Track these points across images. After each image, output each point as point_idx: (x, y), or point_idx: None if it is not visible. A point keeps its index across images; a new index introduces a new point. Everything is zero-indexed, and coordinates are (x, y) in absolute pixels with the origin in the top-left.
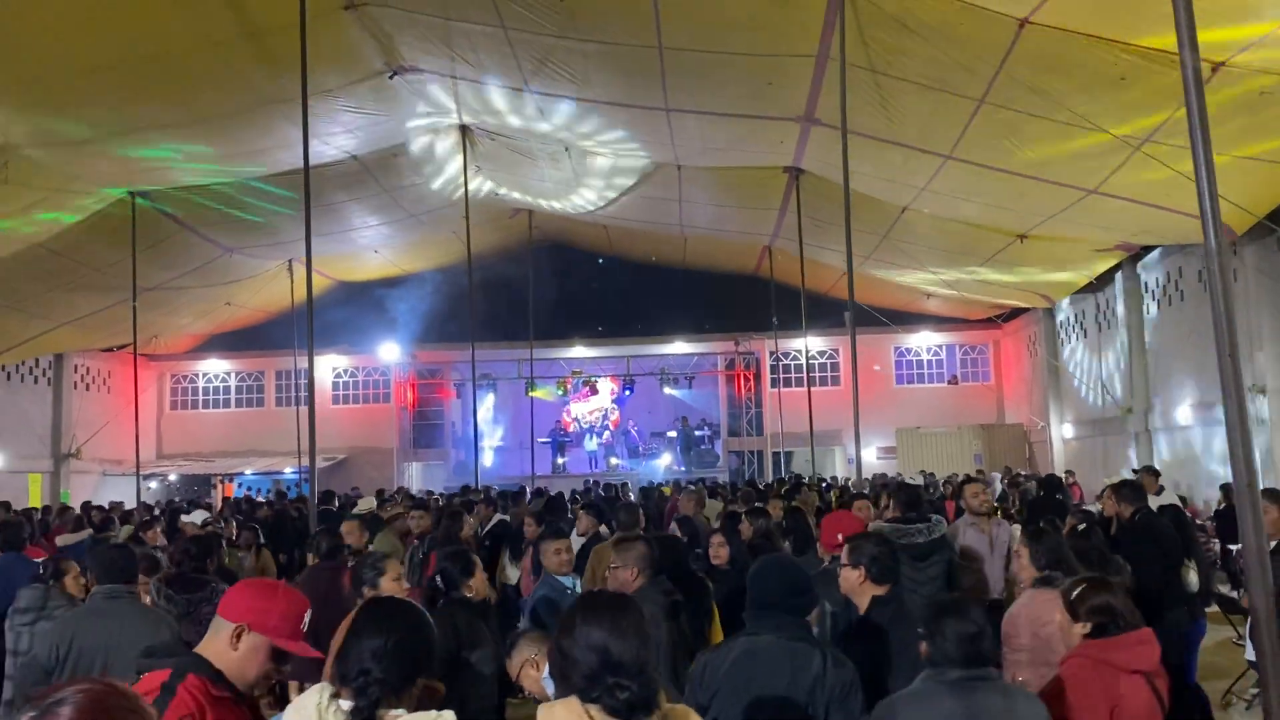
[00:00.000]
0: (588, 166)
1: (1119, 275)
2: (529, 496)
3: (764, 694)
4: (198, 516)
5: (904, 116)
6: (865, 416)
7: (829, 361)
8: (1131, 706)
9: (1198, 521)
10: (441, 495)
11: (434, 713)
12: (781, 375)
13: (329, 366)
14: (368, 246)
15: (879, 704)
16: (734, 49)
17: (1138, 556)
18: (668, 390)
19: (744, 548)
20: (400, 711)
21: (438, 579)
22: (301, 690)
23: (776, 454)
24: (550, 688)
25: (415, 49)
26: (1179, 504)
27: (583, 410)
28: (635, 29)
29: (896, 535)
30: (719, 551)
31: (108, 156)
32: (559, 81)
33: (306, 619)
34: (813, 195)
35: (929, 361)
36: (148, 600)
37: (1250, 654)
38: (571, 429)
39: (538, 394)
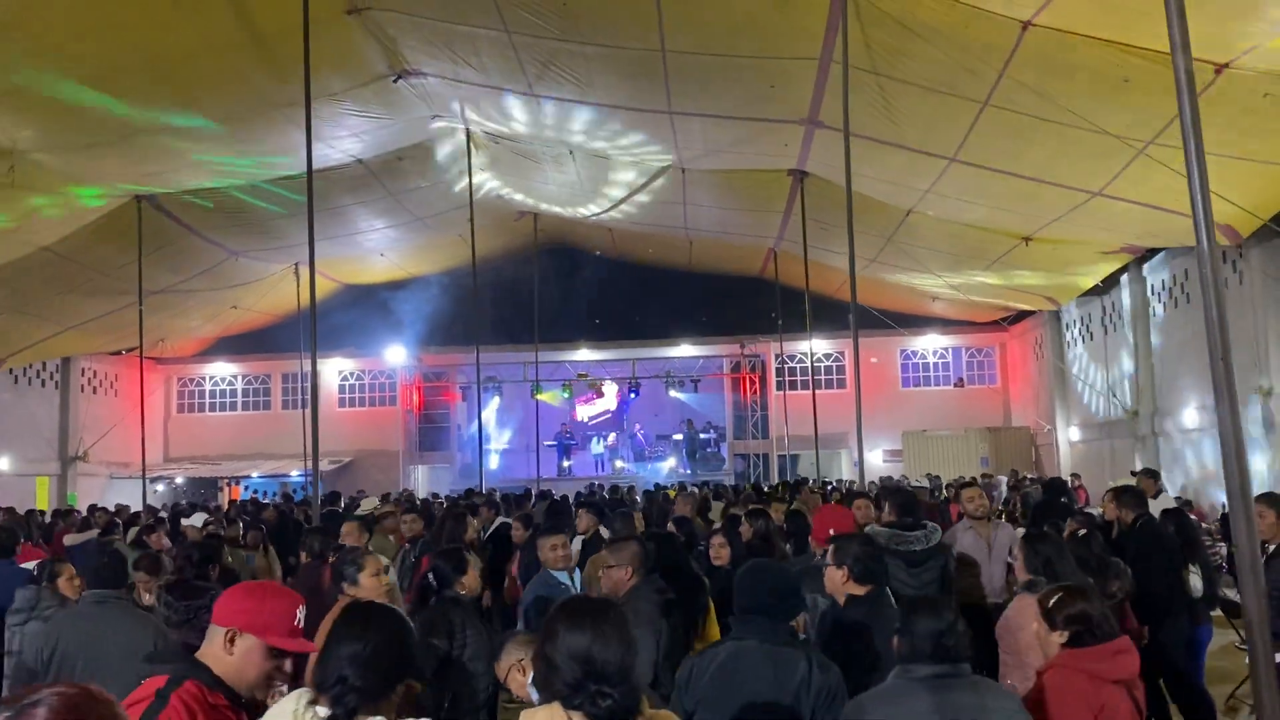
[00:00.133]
0: (593, 169)
1: (1125, 278)
2: (533, 500)
3: (749, 699)
4: (197, 519)
5: (907, 119)
6: (871, 419)
7: (835, 364)
8: (1114, 717)
9: (1203, 525)
10: (445, 499)
11: None
12: (787, 378)
13: (335, 370)
14: (374, 250)
15: (849, 703)
16: (737, 52)
17: (1139, 562)
18: (673, 393)
19: (745, 548)
20: (379, 719)
21: (430, 576)
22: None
23: (782, 457)
24: (535, 694)
25: (419, 53)
26: (1183, 508)
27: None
28: (638, 32)
29: (895, 541)
30: (720, 552)
31: (113, 160)
32: (562, 85)
33: (300, 615)
34: (817, 198)
35: (935, 364)
36: (149, 600)
37: None
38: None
39: (543, 397)
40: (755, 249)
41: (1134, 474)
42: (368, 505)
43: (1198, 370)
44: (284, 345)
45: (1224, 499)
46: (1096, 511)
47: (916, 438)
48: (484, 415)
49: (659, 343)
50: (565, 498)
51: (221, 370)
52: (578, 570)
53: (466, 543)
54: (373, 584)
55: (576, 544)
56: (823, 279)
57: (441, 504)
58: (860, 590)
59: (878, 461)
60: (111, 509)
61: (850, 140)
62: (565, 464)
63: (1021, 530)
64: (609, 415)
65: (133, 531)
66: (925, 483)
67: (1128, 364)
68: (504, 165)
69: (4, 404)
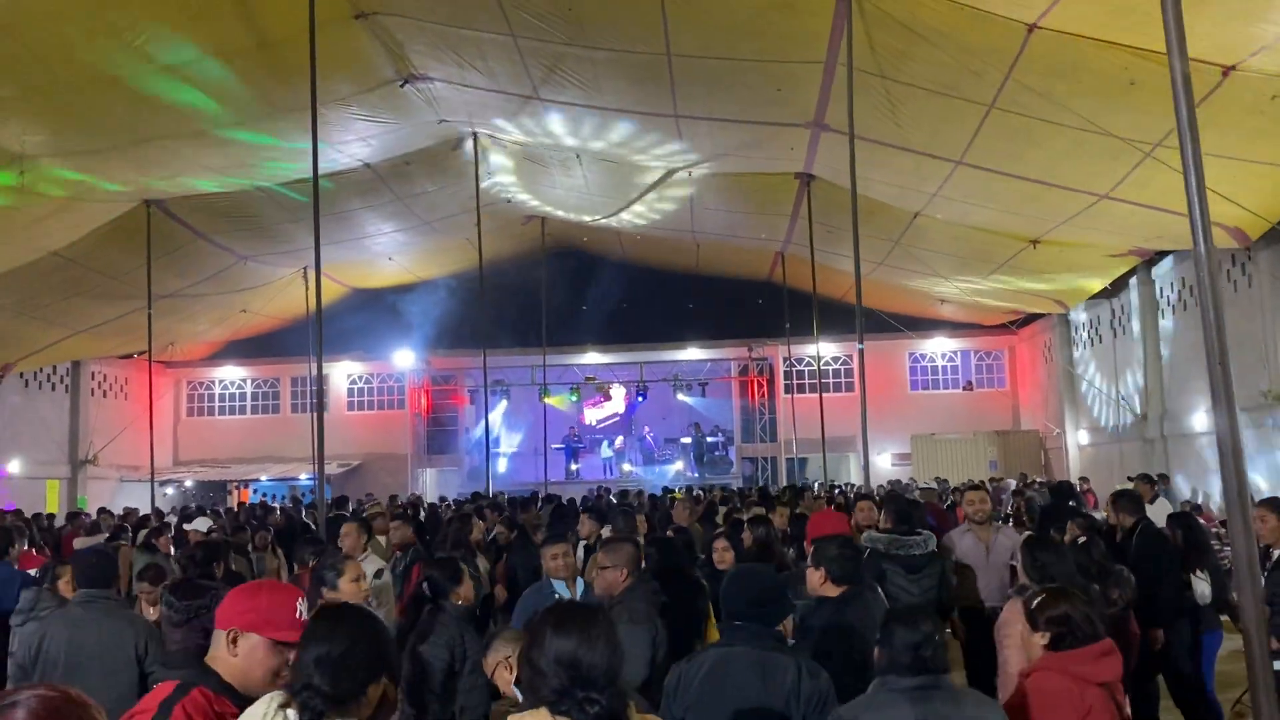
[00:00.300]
0: (600, 174)
1: (1134, 280)
2: (539, 503)
3: (738, 705)
4: (201, 524)
5: (913, 122)
6: (880, 423)
7: (843, 368)
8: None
9: (1211, 529)
10: (454, 503)
11: None
12: (795, 381)
13: (344, 373)
14: (382, 254)
15: (829, 715)
16: (742, 55)
17: (1139, 566)
18: (681, 396)
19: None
20: None
21: (424, 586)
22: None
23: (790, 460)
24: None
25: (426, 57)
26: (1191, 513)
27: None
28: (644, 36)
29: (894, 546)
30: (724, 555)
31: (123, 165)
32: (568, 89)
33: (301, 607)
34: (824, 201)
35: (944, 368)
36: (152, 610)
37: None
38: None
39: (551, 400)
40: (763, 252)
41: (1131, 479)
42: (374, 510)
43: (1206, 374)
44: (293, 349)
45: None
46: (1101, 516)
47: (925, 441)
48: (492, 418)
49: (667, 346)
50: (572, 501)
51: (231, 374)
52: (579, 580)
53: (472, 543)
54: (351, 589)
55: (580, 550)
56: (830, 282)
57: (450, 508)
58: (835, 591)
59: (886, 465)
60: (120, 513)
61: (856, 143)
62: (573, 467)
63: (1024, 535)
64: (617, 419)
65: (141, 535)
66: (934, 486)
67: (1137, 367)
68: (512, 170)
69: (15, 407)
